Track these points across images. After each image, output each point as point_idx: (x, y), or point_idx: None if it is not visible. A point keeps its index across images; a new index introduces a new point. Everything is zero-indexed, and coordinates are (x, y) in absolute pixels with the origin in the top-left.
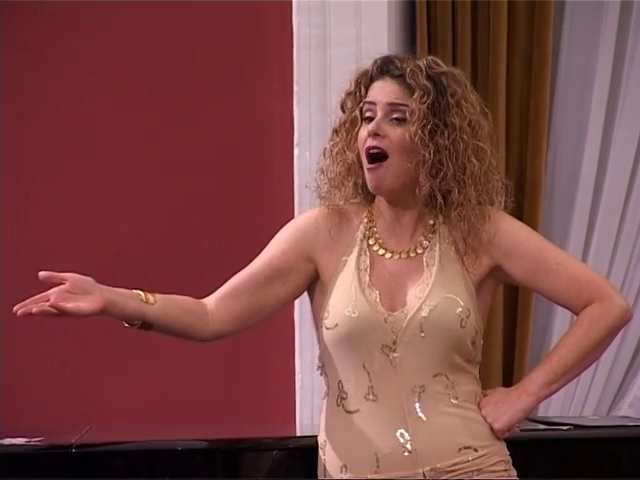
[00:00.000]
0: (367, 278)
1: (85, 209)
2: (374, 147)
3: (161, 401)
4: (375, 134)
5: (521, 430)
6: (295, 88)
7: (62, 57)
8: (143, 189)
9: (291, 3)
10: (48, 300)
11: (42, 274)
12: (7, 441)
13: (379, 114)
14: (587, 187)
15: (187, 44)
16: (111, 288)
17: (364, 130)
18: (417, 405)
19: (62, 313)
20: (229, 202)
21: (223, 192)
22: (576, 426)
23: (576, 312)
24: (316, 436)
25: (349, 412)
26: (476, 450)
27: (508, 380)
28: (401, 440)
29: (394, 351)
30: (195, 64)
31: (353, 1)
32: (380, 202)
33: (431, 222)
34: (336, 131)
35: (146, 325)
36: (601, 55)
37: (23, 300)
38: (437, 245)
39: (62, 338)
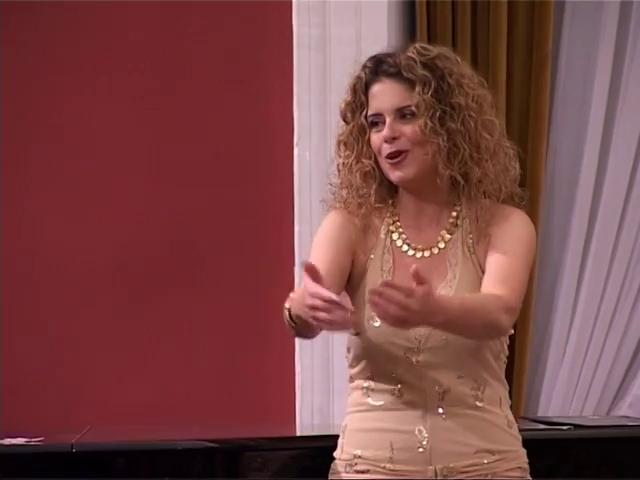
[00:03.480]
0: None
1: (85, 209)
2: (394, 152)
3: (161, 401)
4: (392, 138)
5: (521, 430)
6: (295, 88)
7: (62, 57)
8: (142, 189)
9: (291, 3)
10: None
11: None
12: (7, 441)
13: (388, 119)
14: (587, 187)
15: (187, 44)
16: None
17: (376, 136)
18: (439, 405)
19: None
20: (229, 201)
21: (223, 192)
22: (576, 426)
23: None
24: (317, 436)
25: (373, 405)
26: (493, 454)
27: (508, 380)
28: (418, 437)
29: (418, 355)
30: (195, 64)
31: (353, 1)
32: (403, 195)
33: (454, 214)
34: (345, 143)
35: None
36: (601, 55)
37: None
38: (460, 240)
39: (62, 338)
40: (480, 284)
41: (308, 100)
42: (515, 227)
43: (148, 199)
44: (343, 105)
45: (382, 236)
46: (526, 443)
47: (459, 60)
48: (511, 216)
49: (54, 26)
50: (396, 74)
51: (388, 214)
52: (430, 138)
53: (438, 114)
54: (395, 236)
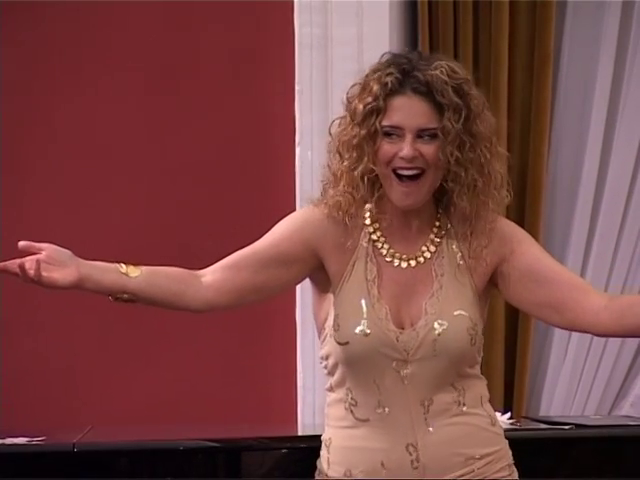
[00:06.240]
0: (376, 291)
1: (85, 209)
2: (411, 168)
3: (163, 401)
4: (412, 158)
5: (523, 429)
6: (297, 87)
7: (62, 57)
8: (144, 189)
9: (292, 3)
10: (22, 265)
11: (21, 243)
12: (9, 441)
13: (409, 137)
14: (589, 187)
15: (188, 43)
16: (90, 262)
17: (390, 147)
18: (425, 418)
19: (34, 281)
20: (230, 201)
21: (224, 191)
22: (578, 425)
23: (588, 297)
24: (318, 436)
25: (358, 419)
26: (481, 458)
27: (510, 380)
28: (409, 454)
29: (406, 368)
30: (196, 63)
31: (355, 1)
32: (386, 204)
33: (437, 224)
34: (356, 146)
35: (130, 298)
36: (602, 55)
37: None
38: (445, 250)
39: (64, 337)
40: (471, 294)
41: (310, 100)
42: (520, 234)
43: (149, 199)
44: (361, 105)
45: (364, 244)
46: (528, 442)
47: (472, 81)
48: (512, 232)
49: (54, 26)
50: (426, 93)
51: (368, 219)
52: (453, 168)
53: (464, 144)
54: (379, 245)
